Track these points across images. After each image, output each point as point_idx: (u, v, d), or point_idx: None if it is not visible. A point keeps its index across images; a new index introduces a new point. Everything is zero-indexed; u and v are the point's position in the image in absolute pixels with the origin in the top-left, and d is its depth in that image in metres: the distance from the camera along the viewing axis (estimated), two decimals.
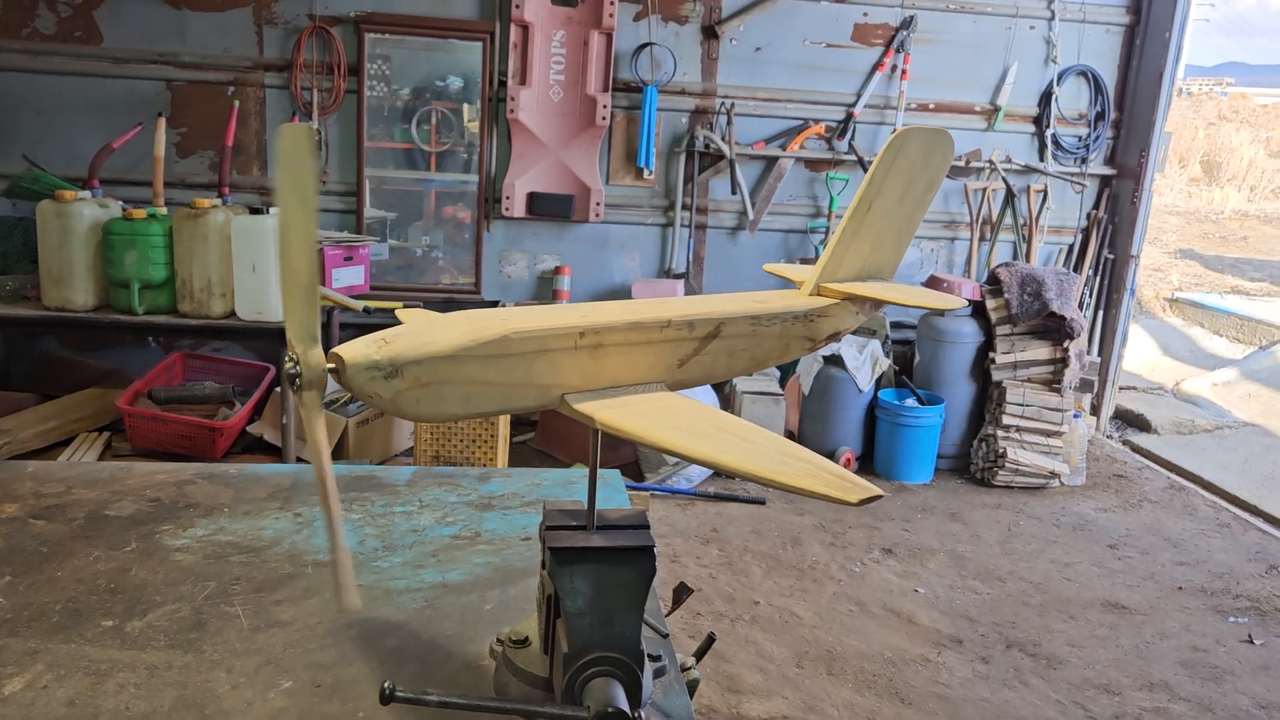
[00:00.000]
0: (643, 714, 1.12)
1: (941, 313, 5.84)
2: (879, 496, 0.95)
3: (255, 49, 5.69)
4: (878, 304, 1.45)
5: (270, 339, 4.49)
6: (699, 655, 1.69)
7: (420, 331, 1.08)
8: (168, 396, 4.61)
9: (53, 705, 1.24)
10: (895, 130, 1.35)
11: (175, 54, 5.64)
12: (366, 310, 4.66)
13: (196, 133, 5.72)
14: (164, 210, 4.47)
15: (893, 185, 1.41)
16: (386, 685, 1.09)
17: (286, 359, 1.00)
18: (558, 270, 6.10)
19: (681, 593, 1.95)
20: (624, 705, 1.10)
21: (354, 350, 1.04)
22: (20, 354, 5.75)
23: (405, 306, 4.92)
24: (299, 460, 4.49)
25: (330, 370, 1.02)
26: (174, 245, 4.31)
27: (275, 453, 4.63)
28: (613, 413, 1.11)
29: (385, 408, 1.05)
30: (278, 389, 4.85)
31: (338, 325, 5.01)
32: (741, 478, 0.99)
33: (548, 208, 5.97)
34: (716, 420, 1.11)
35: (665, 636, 1.41)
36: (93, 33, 5.58)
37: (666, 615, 1.77)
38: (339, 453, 4.64)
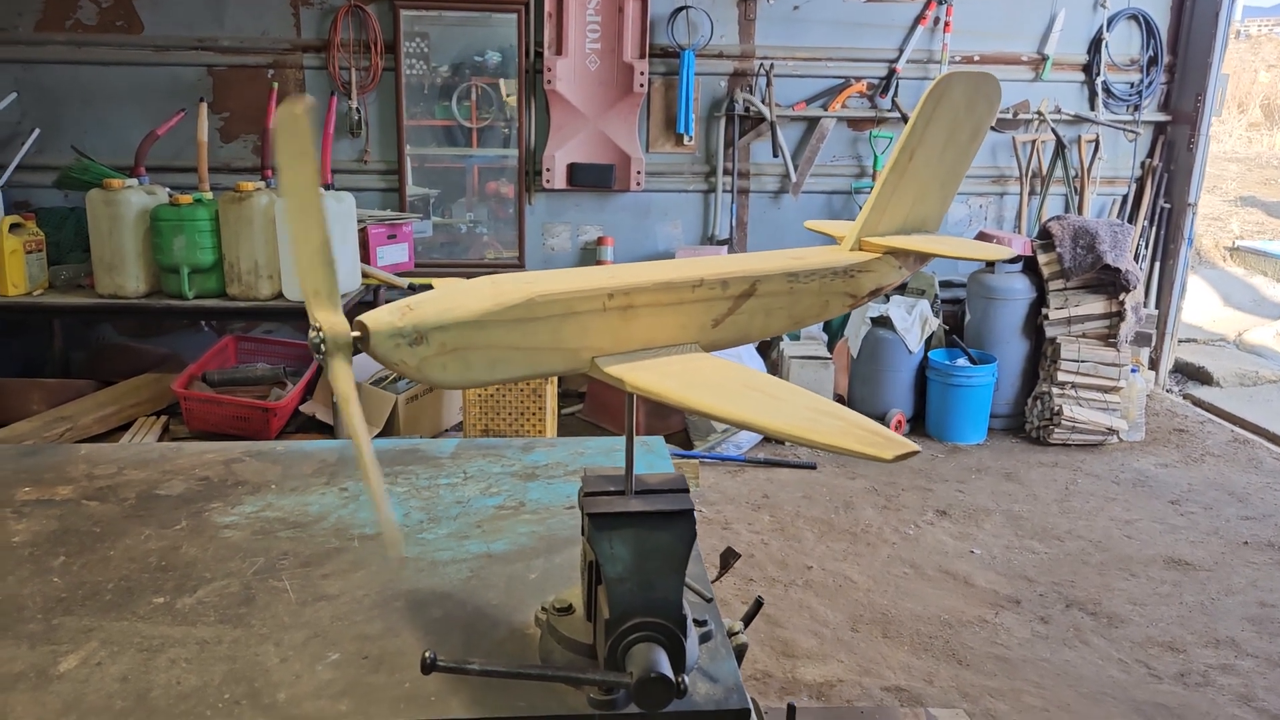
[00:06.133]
0: (686, 679, 1.10)
1: (991, 266, 5.73)
2: (915, 452, 0.92)
3: (293, 30, 5.72)
4: (922, 258, 1.41)
5: None
6: (747, 620, 1.67)
7: (445, 297, 1.06)
8: (221, 379, 4.67)
9: (106, 681, 1.26)
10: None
11: (215, 39, 5.69)
12: (411, 287, 4.68)
13: (238, 117, 5.77)
14: (209, 195, 4.51)
15: (935, 134, 1.37)
16: (427, 654, 1.09)
17: (311, 329, 1.00)
18: (600, 241, 6.08)
19: (729, 558, 1.93)
20: (667, 670, 1.09)
21: (378, 318, 1.03)
22: (78, 342, 5.88)
23: None
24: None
25: (355, 338, 1.01)
26: (220, 229, 4.36)
27: (328, 430, 4.69)
28: (643, 375, 1.09)
29: (411, 375, 1.04)
30: None
31: (383, 303, 5.04)
32: (774, 437, 0.97)
33: (588, 178, 5.94)
34: (749, 379, 1.08)
35: (709, 601, 1.40)
36: (133, 22, 5.64)
37: (713, 581, 1.75)
38: (389, 429, 4.69)
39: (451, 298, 1.06)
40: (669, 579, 1.16)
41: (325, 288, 1.01)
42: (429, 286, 1.16)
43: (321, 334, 1.00)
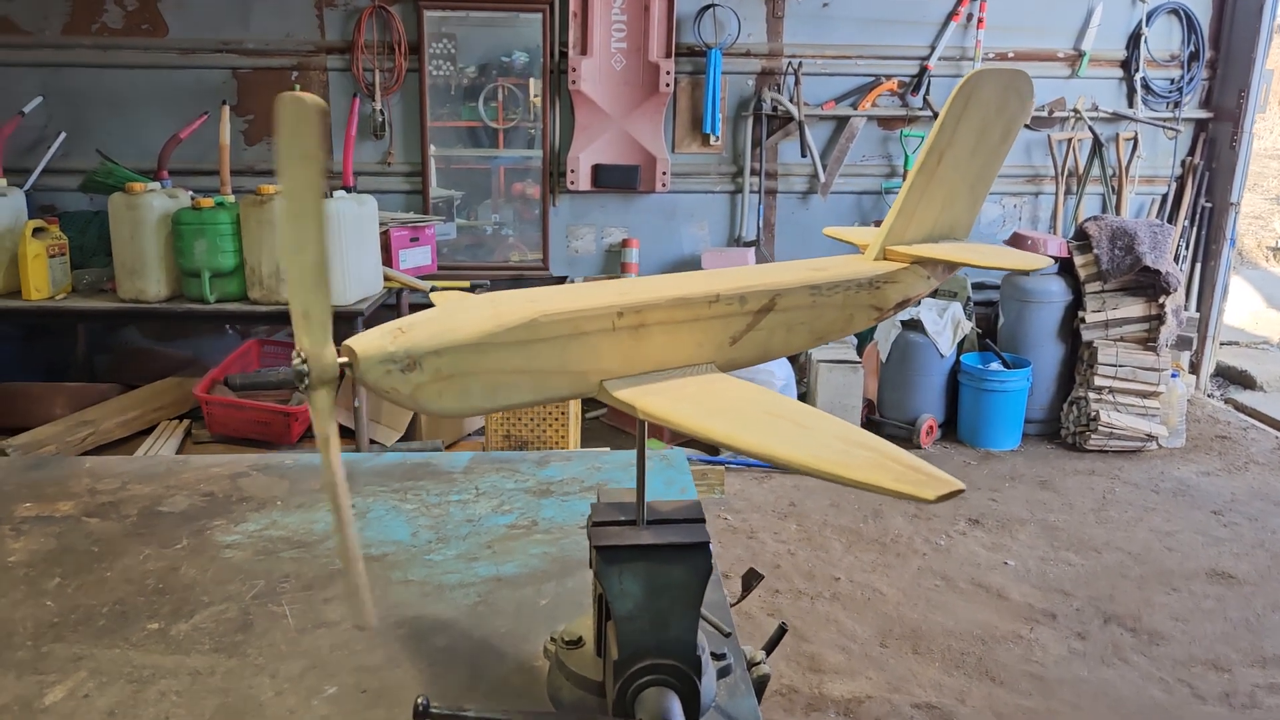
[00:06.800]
0: None
1: (1027, 273, 5.59)
2: (959, 491, 0.83)
3: (316, 32, 5.69)
4: (951, 267, 1.31)
5: (339, 324, 4.49)
6: (769, 648, 1.59)
7: (442, 318, 0.98)
8: (243, 383, 4.64)
9: (93, 715, 1.20)
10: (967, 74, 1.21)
11: (239, 41, 5.67)
12: (434, 289, 4.62)
13: (262, 120, 5.75)
14: (231, 198, 4.48)
15: (965, 134, 1.27)
16: (420, 700, 1.01)
17: (294, 355, 0.91)
18: (625, 243, 6.00)
19: (751, 580, 1.85)
20: (679, 718, 1.01)
21: (367, 342, 0.94)
22: (102, 346, 5.89)
23: (473, 287, 4.88)
24: (372, 443, 4.49)
25: (342, 364, 0.93)
26: (242, 233, 4.33)
27: (349, 435, 4.64)
28: (655, 400, 1.00)
29: (405, 403, 0.96)
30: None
31: (406, 306, 4.99)
32: (798, 471, 0.88)
33: (613, 179, 5.87)
34: (771, 405, 1.00)
35: (728, 635, 1.31)
36: (158, 25, 5.63)
37: (735, 604, 1.67)
38: (410, 434, 4.63)
39: (448, 318, 0.98)
40: (683, 617, 1.08)
41: (317, 310, 0.91)
42: (437, 291, 1.08)
43: (306, 364, 0.90)
